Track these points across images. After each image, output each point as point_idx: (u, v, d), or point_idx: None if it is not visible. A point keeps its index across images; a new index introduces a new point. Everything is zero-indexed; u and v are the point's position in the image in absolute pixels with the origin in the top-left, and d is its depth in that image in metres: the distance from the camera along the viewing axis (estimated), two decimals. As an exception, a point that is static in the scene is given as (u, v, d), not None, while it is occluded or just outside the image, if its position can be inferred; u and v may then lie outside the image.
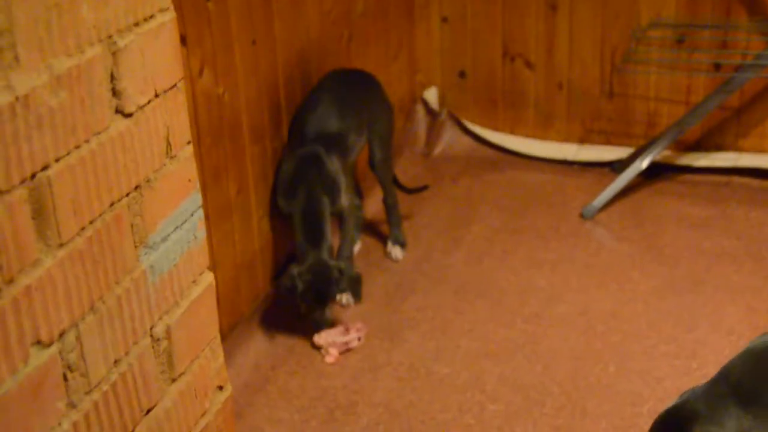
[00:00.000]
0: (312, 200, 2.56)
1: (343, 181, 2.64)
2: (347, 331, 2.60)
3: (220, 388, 1.28)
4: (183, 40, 2.11)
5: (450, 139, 3.66)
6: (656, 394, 2.35)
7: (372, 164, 2.91)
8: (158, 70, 1.07)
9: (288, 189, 2.59)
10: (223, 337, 2.51)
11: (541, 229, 3.13)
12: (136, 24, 1.02)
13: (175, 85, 1.10)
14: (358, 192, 3.06)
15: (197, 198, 1.19)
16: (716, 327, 2.59)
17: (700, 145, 3.41)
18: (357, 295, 2.62)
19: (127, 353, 1.05)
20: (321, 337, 2.57)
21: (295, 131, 2.68)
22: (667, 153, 3.37)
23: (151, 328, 1.11)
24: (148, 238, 1.08)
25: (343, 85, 2.80)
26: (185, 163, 1.15)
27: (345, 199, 2.66)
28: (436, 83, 3.66)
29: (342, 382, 2.45)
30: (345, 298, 2.72)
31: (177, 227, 1.14)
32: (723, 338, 2.54)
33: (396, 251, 2.98)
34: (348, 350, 2.57)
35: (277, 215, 2.68)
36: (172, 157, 1.12)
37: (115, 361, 1.03)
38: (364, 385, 2.43)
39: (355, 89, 2.82)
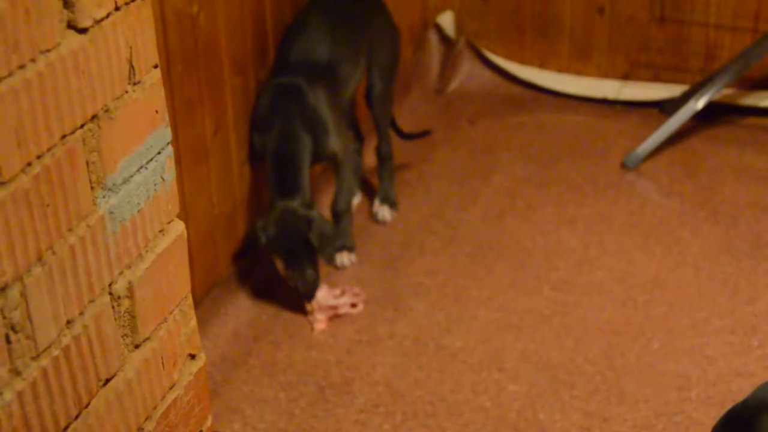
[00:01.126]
0: (287, 139, 2.55)
1: (331, 119, 2.63)
2: (342, 293, 2.62)
3: (192, 356, 1.29)
4: (150, -53, 2.10)
5: (468, 72, 3.65)
6: (707, 376, 2.37)
7: (369, 99, 2.91)
8: (118, -23, 1.06)
9: (262, 124, 2.59)
10: (197, 302, 2.53)
11: (574, 181, 3.13)
12: None
13: (138, -4, 1.10)
14: (358, 135, 3.06)
15: (166, 133, 1.19)
16: (780, 298, 2.61)
17: (767, 83, 3.39)
18: (325, 256, 2.60)
19: (81, 313, 1.06)
20: (313, 300, 2.59)
21: (278, 58, 2.68)
22: (728, 91, 3.35)
23: (110, 285, 1.12)
24: (106, 178, 1.09)
25: (337, 5, 2.78)
26: (151, 90, 1.15)
27: (335, 142, 2.65)
28: (452, 6, 3.63)
29: (336, 355, 2.48)
30: (339, 258, 2.73)
31: (141, 167, 1.15)
32: (788, 312, 2.56)
33: (384, 211, 2.97)
34: (336, 316, 2.59)
35: (252, 156, 2.69)
36: (135, 84, 1.12)
37: (68, 322, 1.04)
38: (361, 360, 2.46)
39: (353, 9, 2.81)
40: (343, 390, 2.38)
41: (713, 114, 3.36)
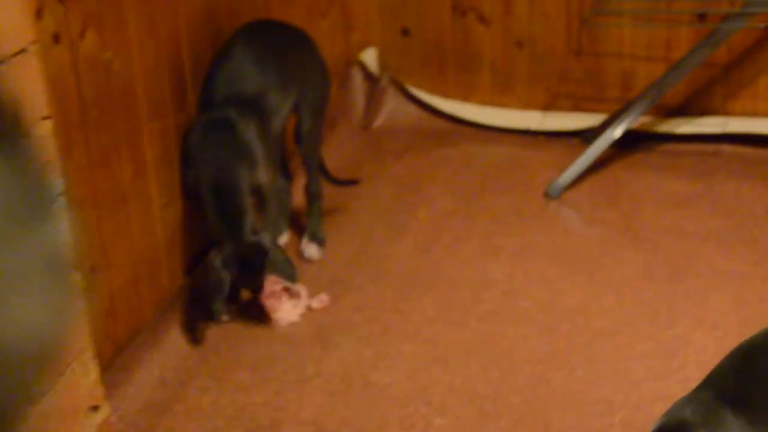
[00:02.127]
0: (224, 171, 2.54)
1: (261, 150, 2.62)
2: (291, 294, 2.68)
3: (95, 408, 1.28)
4: (59, -5, 2.09)
5: (393, 108, 3.67)
6: (630, 400, 2.38)
7: (297, 137, 2.90)
8: (2, 31, 1.05)
9: (194, 160, 2.58)
10: (121, 349, 2.50)
11: (498, 213, 3.15)
12: (-32, -22, 1.01)
13: (23, 49, 1.09)
14: (286, 173, 3.05)
15: (57, 184, 1.18)
16: (700, 321, 2.63)
17: (683, 109, 3.45)
18: (288, 276, 2.65)
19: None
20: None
21: (205, 92, 2.66)
22: (644, 119, 3.41)
23: (0, 341, 1.10)
24: (-8, 234, 1.07)
25: (264, 36, 2.77)
26: (41, 143, 1.14)
27: (264, 174, 2.64)
28: (375, 43, 3.65)
29: (263, 397, 2.45)
30: (308, 249, 2.79)
31: (31, 220, 1.13)
32: (707, 334, 2.59)
33: (311, 249, 2.95)
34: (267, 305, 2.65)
35: (188, 196, 2.67)
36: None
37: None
38: (289, 401, 2.44)
39: (279, 43, 2.80)
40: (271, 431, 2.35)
41: (632, 141, 3.40)
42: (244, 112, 2.60)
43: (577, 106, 3.54)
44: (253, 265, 2.57)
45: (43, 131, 1.14)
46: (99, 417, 1.28)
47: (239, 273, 2.55)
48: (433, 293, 2.80)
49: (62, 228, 1.20)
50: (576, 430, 2.31)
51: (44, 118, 1.14)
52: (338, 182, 3.13)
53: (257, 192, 2.67)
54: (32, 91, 1.12)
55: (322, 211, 3.01)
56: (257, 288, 2.63)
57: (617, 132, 3.23)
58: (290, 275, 2.65)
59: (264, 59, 2.70)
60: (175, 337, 2.63)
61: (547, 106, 3.57)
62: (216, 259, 2.53)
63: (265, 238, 2.59)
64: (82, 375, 1.24)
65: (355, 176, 3.22)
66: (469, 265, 2.91)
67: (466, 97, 3.62)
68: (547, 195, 3.21)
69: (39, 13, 2.02)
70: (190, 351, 2.61)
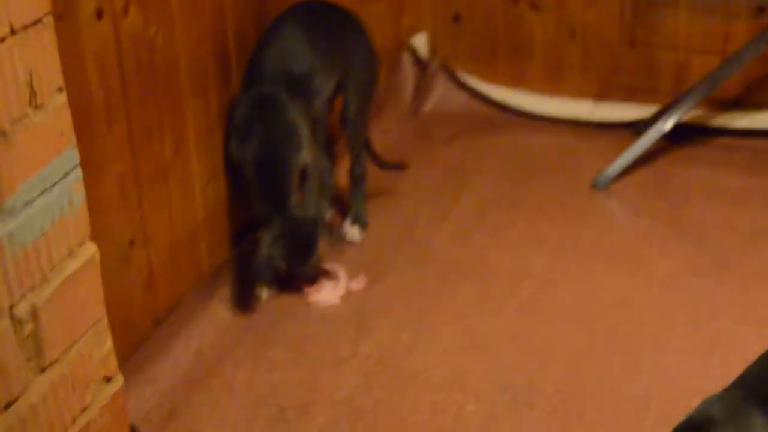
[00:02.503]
0: (270, 148, 2.55)
1: (305, 130, 2.62)
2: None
3: (108, 379, 1.28)
4: (103, -30, 2.09)
5: (442, 94, 3.64)
6: (666, 395, 2.33)
7: (343, 120, 2.89)
8: (15, 1, 1.05)
9: (240, 135, 2.58)
10: (159, 323, 2.51)
11: (543, 202, 3.11)
12: (-17, -55, 1.01)
13: (39, 20, 1.08)
14: (329, 155, 3.04)
15: (72, 155, 1.17)
16: (743, 318, 2.57)
17: (737, 103, 3.37)
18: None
19: (-24, 337, 1.05)
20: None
21: (252, 68, 2.66)
22: (697, 112, 3.33)
23: (10, 308, 1.10)
24: (5, 202, 1.07)
25: (314, 16, 2.78)
26: (56, 114, 1.14)
27: (307, 154, 2.64)
28: (425, 28, 3.62)
29: (298, 376, 2.45)
30: (350, 232, 2.78)
31: (45, 190, 1.13)
32: (751, 331, 2.52)
33: (353, 232, 2.94)
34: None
35: (230, 170, 2.68)
36: (37, 107, 1.11)
37: (-39, 346, 1.03)
38: (323, 381, 2.43)
39: (329, 24, 2.80)
40: (303, 411, 2.35)
41: (684, 134, 3.33)
42: (290, 91, 2.61)
43: (629, 96, 3.47)
44: (304, 240, 2.58)
45: (58, 103, 1.14)
46: (111, 388, 1.28)
47: (290, 250, 2.56)
48: (473, 280, 2.77)
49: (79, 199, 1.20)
50: (610, 423, 2.27)
51: (58, 90, 1.13)
52: (386, 165, 3.11)
53: (301, 172, 2.67)
54: (46, 62, 1.11)
55: (366, 194, 3.00)
56: (312, 266, 2.65)
57: (668, 124, 3.16)
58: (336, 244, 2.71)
59: (312, 40, 2.70)
60: (213, 313, 2.64)
61: (599, 96, 3.51)
62: (265, 236, 2.54)
63: (311, 211, 2.59)
64: (96, 345, 1.24)
65: (402, 161, 3.19)
66: (511, 254, 2.87)
67: (516, 84, 3.58)
68: (594, 186, 3.15)
69: (83, -12, 2.03)
70: (228, 327, 2.61)
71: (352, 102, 2.85)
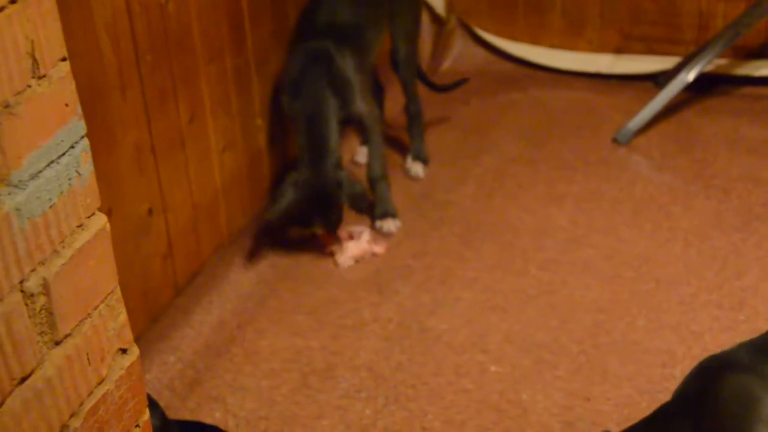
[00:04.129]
0: (318, 102, 2.60)
1: (358, 82, 2.66)
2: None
3: (123, 351, 1.27)
4: (111, -64, 2.07)
5: (460, 50, 3.60)
6: (692, 352, 2.32)
7: (395, 63, 2.94)
8: (14, -29, 1.03)
9: (292, 87, 2.64)
10: (180, 291, 2.52)
11: (565, 159, 3.07)
12: None
13: (38, -11, 1.07)
14: (378, 87, 3.06)
15: (79, 126, 1.16)
16: (770, 272, 2.54)
17: (763, 51, 3.31)
18: (360, 211, 2.68)
19: (-12, 313, 1.04)
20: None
21: (303, 22, 2.73)
22: (721, 61, 3.28)
23: (21, 282, 1.09)
24: (11, 175, 1.06)
25: None
26: (60, 84, 1.12)
27: (362, 104, 2.68)
28: (442, -16, 3.59)
29: (319, 342, 2.45)
30: (384, 224, 2.78)
31: (52, 162, 1.12)
32: (778, 285, 2.50)
33: (417, 168, 3.03)
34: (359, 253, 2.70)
35: (278, 118, 2.76)
36: (40, 77, 1.09)
37: (-28, 323, 1.02)
38: (345, 346, 2.43)
39: None
40: (325, 376, 2.35)
41: (707, 85, 3.28)
42: (342, 44, 2.65)
43: (651, 48, 3.42)
44: (319, 195, 2.59)
45: (62, 73, 1.12)
46: (128, 360, 1.27)
47: (300, 201, 2.58)
48: (495, 240, 2.75)
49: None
50: (635, 380, 2.26)
51: (62, 60, 1.11)
52: (446, 88, 3.15)
53: (357, 121, 2.73)
54: (48, 31, 1.09)
55: (424, 130, 3.06)
56: (331, 224, 2.66)
57: (691, 75, 3.11)
58: (360, 209, 2.66)
59: None
60: (233, 280, 2.64)
61: (619, 49, 3.46)
62: (290, 176, 2.59)
63: (342, 176, 2.61)
64: (110, 317, 1.24)
65: (461, 77, 3.21)
66: (532, 212, 2.85)
67: (535, 39, 3.54)
68: (616, 140, 3.12)
69: (91, -45, 2.01)
70: (248, 293, 2.61)
71: (401, 46, 2.90)
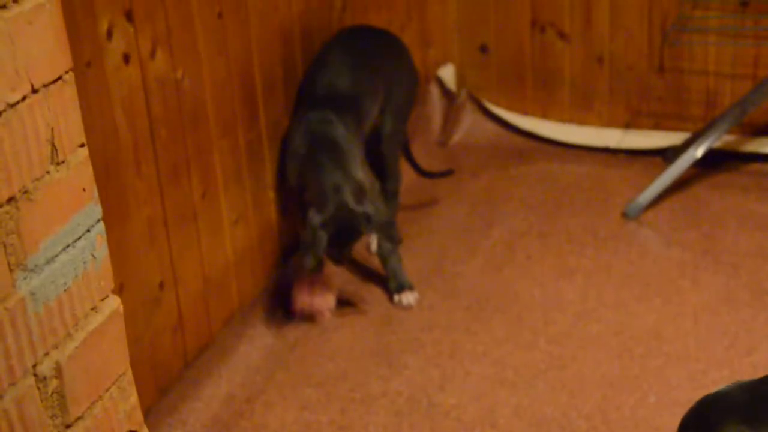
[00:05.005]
0: (324, 171, 2.60)
1: (357, 151, 2.68)
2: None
3: (133, 433, 1.27)
4: (129, 15, 2.11)
5: (470, 125, 3.63)
6: (703, 430, 2.30)
7: (379, 137, 2.94)
8: (35, 60, 1.06)
9: (296, 158, 2.66)
10: (189, 364, 2.51)
11: (574, 232, 3.08)
12: (3, 7, 1.01)
13: (59, 77, 1.09)
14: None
15: (95, 210, 1.18)
16: (780, 349, 2.53)
17: (770, 129, 3.34)
18: (392, 240, 2.67)
19: (0, 397, 1.05)
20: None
21: (305, 92, 2.77)
22: (729, 138, 3.30)
23: (34, 366, 1.10)
24: (27, 259, 1.08)
25: (359, 41, 2.88)
26: (78, 169, 1.14)
27: (359, 173, 2.68)
28: (452, 59, 3.62)
29: (328, 416, 2.44)
30: (403, 298, 2.78)
31: (68, 246, 1.13)
32: (788, 362, 2.49)
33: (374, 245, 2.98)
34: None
35: (284, 192, 2.79)
36: (59, 164, 1.11)
37: (-16, 407, 1.03)
38: (353, 420, 2.42)
39: (372, 47, 2.89)
40: (334, 450, 2.34)
41: (716, 161, 3.30)
42: (342, 114, 2.68)
43: (659, 124, 3.45)
44: (346, 228, 2.59)
45: (80, 158, 1.14)
46: (138, 441, 1.27)
47: (333, 236, 2.58)
48: (504, 314, 2.75)
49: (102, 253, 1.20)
50: (645, 459, 2.24)
51: (80, 146, 1.14)
52: (432, 174, 3.16)
53: (356, 191, 2.70)
54: (68, 118, 1.12)
55: (398, 209, 3.06)
56: (342, 257, 2.67)
57: (700, 151, 3.13)
58: (392, 238, 2.66)
59: (358, 65, 2.79)
60: (243, 353, 2.63)
61: (628, 124, 3.49)
62: (315, 217, 2.56)
63: (370, 208, 2.60)
64: (121, 399, 1.24)
65: (448, 168, 3.24)
66: (542, 286, 2.85)
67: (544, 114, 3.57)
68: (626, 215, 3.13)
69: (109, 34, 2.05)
70: (258, 366, 2.61)
71: (388, 120, 2.92)
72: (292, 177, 2.70)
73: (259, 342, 2.67)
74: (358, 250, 3.03)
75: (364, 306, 2.81)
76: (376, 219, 2.60)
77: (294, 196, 2.77)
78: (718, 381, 2.43)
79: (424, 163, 3.32)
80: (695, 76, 3.35)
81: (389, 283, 2.82)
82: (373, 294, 2.86)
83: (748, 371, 2.46)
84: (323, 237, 2.56)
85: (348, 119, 2.69)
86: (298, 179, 2.68)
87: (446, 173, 3.20)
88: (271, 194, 2.80)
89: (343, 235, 2.61)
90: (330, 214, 2.57)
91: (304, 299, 2.70)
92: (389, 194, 3.00)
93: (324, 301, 2.72)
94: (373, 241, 2.99)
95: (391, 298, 2.81)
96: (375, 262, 2.97)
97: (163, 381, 2.39)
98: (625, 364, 2.52)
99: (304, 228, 2.63)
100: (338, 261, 2.70)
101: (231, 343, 2.64)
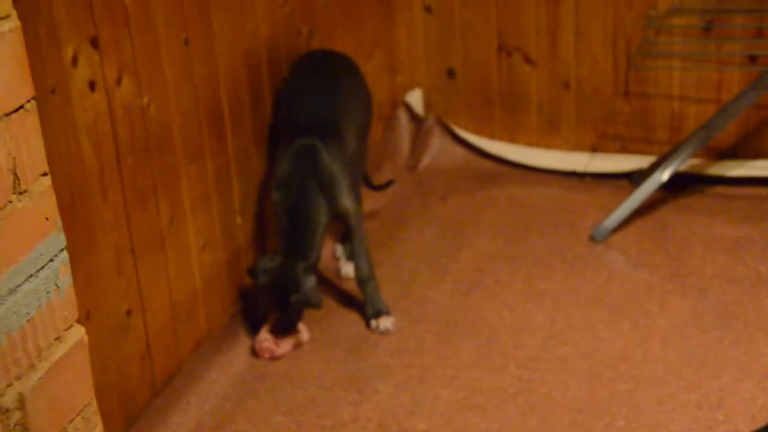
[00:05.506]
0: (304, 200, 2.63)
1: (343, 177, 2.68)
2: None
3: (98, 465, 1.26)
4: (94, 42, 2.10)
5: (438, 149, 3.64)
6: (672, 453, 2.31)
7: None
8: (-2, 89, 1.05)
9: (282, 186, 2.66)
10: (157, 393, 2.49)
11: (542, 256, 3.09)
12: (-36, 36, 1.01)
13: (21, 106, 1.08)
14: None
15: (58, 239, 1.16)
16: (748, 371, 2.54)
17: (734, 152, 3.37)
18: (297, 315, 2.70)
19: (-39, 430, 1.03)
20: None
21: (286, 119, 2.76)
22: (694, 161, 3.33)
23: (-4, 398, 1.09)
24: (-12, 290, 1.06)
25: (324, 64, 2.88)
26: (40, 198, 1.13)
27: (348, 200, 2.69)
28: (420, 84, 3.63)
29: (298, 443, 2.42)
30: (379, 323, 2.78)
31: (31, 276, 1.12)
32: (756, 384, 2.49)
33: (348, 269, 3.02)
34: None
35: (259, 216, 2.83)
36: (21, 193, 1.10)
37: (-56, 441, 1.01)
38: (324, 447, 2.40)
39: (335, 71, 2.89)
40: (304, 477, 2.32)
41: (681, 184, 3.33)
42: (327, 140, 2.68)
43: (625, 147, 3.47)
44: (279, 289, 2.61)
45: (42, 187, 1.13)
46: (103, 473, 1.26)
47: (267, 285, 2.62)
48: (473, 337, 2.74)
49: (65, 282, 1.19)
50: (615, 482, 2.24)
51: (43, 175, 1.13)
52: (377, 187, 3.16)
53: (342, 218, 2.73)
54: (31, 147, 1.10)
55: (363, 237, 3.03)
56: (286, 322, 2.68)
57: (666, 174, 3.15)
58: (315, 305, 2.66)
59: (330, 88, 2.79)
60: (212, 380, 2.61)
61: (595, 148, 3.51)
62: (262, 259, 2.65)
63: (308, 280, 2.62)
64: (86, 430, 1.22)
65: (390, 179, 3.26)
66: (511, 309, 2.85)
67: (512, 138, 3.58)
68: (593, 238, 3.14)
69: (74, 61, 2.04)
70: (227, 393, 2.58)
71: (352, 142, 2.89)
72: (276, 203, 2.68)
73: (228, 369, 2.65)
74: (328, 274, 3.04)
75: (333, 331, 2.80)
76: (303, 291, 2.61)
77: (269, 221, 2.79)
78: (686, 404, 2.44)
79: (394, 186, 3.32)
80: (660, 100, 3.39)
81: (366, 308, 2.81)
82: (343, 319, 2.85)
83: (716, 394, 2.47)
84: (261, 275, 2.63)
85: (332, 145, 2.68)
86: (279, 206, 2.67)
87: (389, 184, 3.20)
88: (239, 220, 2.78)
89: (277, 290, 2.63)
90: (276, 266, 2.62)
91: (268, 347, 2.69)
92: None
93: (288, 345, 2.71)
94: (348, 266, 2.99)
95: (367, 323, 2.80)
96: (346, 286, 2.96)
97: (131, 410, 2.36)
98: (594, 388, 2.52)
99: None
100: (283, 330, 2.71)
101: (200, 371, 2.62)
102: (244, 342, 2.74)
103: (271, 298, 2.66)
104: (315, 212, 2.63)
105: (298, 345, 2.73)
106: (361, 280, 2.80)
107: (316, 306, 2.64)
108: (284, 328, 2.71)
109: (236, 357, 2.69)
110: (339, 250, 3.08)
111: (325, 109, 2.73)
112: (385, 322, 2.79)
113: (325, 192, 2.64)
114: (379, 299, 2.82)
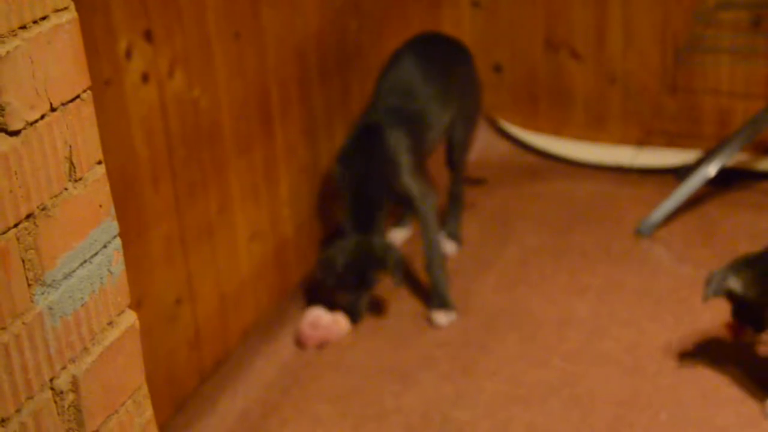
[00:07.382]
0: (366, 178, 2.69)
1: (406, 162, 2.71)
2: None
3: (149, 447, 1.28)
4: (148, 35, 2.13)
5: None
6: (716, 447, 2.29)
7: (450, 143, 3.00)
8: (54, 80, 1.07)
9: (345, 161, 2.73)
10: (206, 379, 2.52)
11: (587, 250, 3.08)
12: (23, 27, 1.02)
13: (77, 96, 1.10)
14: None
15: (112, 226, 1.18)
16: (793, 367, 2.52)
17: (782, 147, 3.33)
18: (399, 281, 2.73)
19: (18, 410, 1.05)
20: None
21: (372, 99, 2.84)
22: (741, 157, 3.29)
23: (51, 380, 1.11)
24: (45, 275, 1.08)
25: (431, 50, 2.91)
26: (95, 186, 1.15)
27: (409, 183, 2.71)
28: (467, 78, 3.63)
29: None
30: (436, 316, 2.78)
31: (85, 261, 1.14)
32: (801, 380, 2.47)
33: (450, 246, 3.07)
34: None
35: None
36: (76, 180, 1.12)
37: (2, 421, 1.03)
38: (367, 436, 2.41)
39: (444, 58, 2.92)
40: (348, 465, 2.33)
41: (728, 179, 3.29)
42: (397, 125, 2.71)
43: (672, 142, 3.44)
44: (362, 263, 2.67)
45: (97, 175, 1.15)
46: (153, 455, 1.28)
47: (348, 266, 2.66)
48: (517, 330, 2.74)
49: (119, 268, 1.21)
50: (658, 476, 2.22)
51: (98, 163, 1.15)
52: (471, 181, 3.27)
53: (405, 200, 2.77)
54: (86, 137, 1.13)
55: (462, 213, 3.13)
56: (360, 287, 2.72)
57: (712, 169, 3.12)
58: (398, 279, 2.71)
59: (429, 75, 2.83)
60: (259, 369, 2.63)
61: (641, 143, 3.48)
62: (337, 243, 2.68)
63: (388, 245, 2.69)
64: (136, 413, 1.24)
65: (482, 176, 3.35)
66: (555, 303, 2.84)
67: (558, 132, 3.57)
68: (638, 232, 3.12)
69: (128, 54, 2.07)
70: (273, 382, 2.61)
71: (459, 128, 2.96)
72: (338, 176, 2.75)
73: (274, 358, 2.68)
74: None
75: (378, 322, 2.81)
76: (394, 253, 2.67)
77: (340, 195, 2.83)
78: (729, 399, 2.42)
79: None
80: (708, 96, 3.35)
81: (431, 298, 2.81)
82: (388, 310, 2.86)
83: (760, 389, 2.44)
84: (337, 259, 2.67)
85: (403, 130, 2.72)
86: (341, 179, 2.74)
87: (480, 181, 3.30)
88: (286, 211, 2.80)
89: (359, 265, 2.68)
90: (349, 242, 2.67)
91: (312, 336, 2.71)
92: (455, 196, 3.09)
93: (332, 333, 2.73)
94: (394, 233, 3.04)
95: (429, 313, 2.80)
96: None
97: (179, 396, 2.40)
98: (637, 382, 2.51)
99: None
100: (354, 313, 2.74)
101: (247, 359, 2.65)
102: (290, 332, 2.76)
103: (345, 278, 2.68)
104: (376, 189, 2.69)
105: (337, 336, 2.74)
106: (429, 266, 2.81)
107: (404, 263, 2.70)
108: (354, 305, 2.73)
109: (283, 346, 2.71)
110: (393, 233, 3.11)
111: (411, 94, 2.78)
112: (441, 318, 2.78)
113: (386, 171, 2.68)
114: (445, 290, 2.81)
